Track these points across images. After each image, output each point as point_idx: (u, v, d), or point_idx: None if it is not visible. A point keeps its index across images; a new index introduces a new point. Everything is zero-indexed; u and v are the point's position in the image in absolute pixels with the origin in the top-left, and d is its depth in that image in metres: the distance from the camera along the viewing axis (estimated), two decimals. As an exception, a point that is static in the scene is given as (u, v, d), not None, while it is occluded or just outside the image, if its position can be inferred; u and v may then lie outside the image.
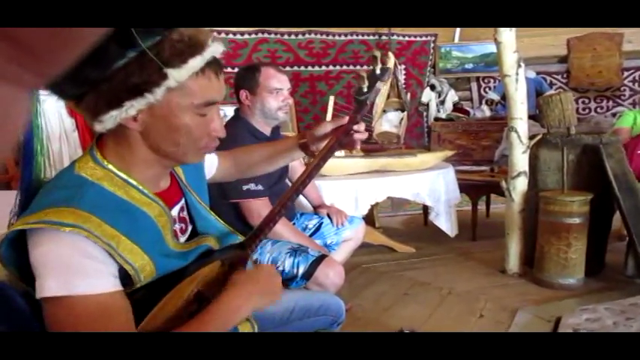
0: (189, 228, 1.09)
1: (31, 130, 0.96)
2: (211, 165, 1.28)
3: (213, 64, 0.90)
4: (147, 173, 0.95)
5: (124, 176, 0.91)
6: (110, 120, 0.85)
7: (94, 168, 0.90)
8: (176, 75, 0.83)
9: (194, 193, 1.11)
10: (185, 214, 1.08)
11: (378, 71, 1.20)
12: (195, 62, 0.85)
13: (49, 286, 0.80)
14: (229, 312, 0.93)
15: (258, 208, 1.98)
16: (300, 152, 1.28)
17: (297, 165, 2.48)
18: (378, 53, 1.22)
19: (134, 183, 0.92)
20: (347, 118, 1.20)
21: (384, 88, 5.38)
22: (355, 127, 1.18)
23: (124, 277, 0.87)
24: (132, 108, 0.84)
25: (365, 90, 1.20)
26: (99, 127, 0.86)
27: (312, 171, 1.15)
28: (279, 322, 1.33)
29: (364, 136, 1.20)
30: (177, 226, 1.03)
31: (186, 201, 1.08)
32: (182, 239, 1.04)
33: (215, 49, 0.89)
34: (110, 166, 0.91)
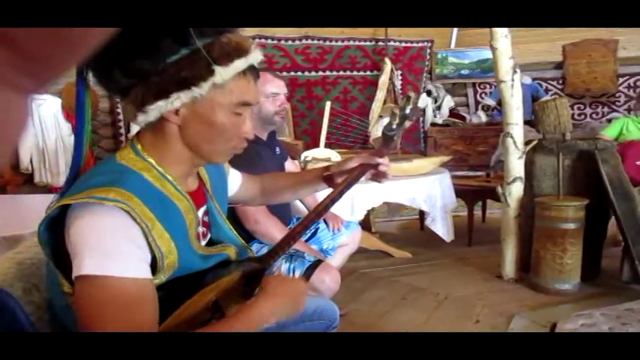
0: (209, 234, 1.11)
1: (83, 120, 0.98)
2: (234, 182, 1.30)
3: (253, 70, 0.97)
4: (178, 170, 0.99)
5: (161, 170, 0.96)
6: (155, 111, 0.90)
7: (135, 159, 0.95)
8: (222, 73, 0.90)
9: (215, 201, 1.13)
10: (207, 219, 1.11)
11: (408, 111, 1.26)
12: (240, 63, 0.93)
13: (86, 264, 0.82)
14: (259, 318, 0.95)
15: (255, 213, 1.98)
16: (324, 184, 1.33)
17: (292, 168, 2.48)
18: (412, 94, 1.29)
19: (169, 177, 0.96)
20: (376, 158, 1.26)
21: (381, 93, 5.41)
22: (381, 160, 1.26)
23: (151, 263, 0.89)
24: (177, 100, 0.90)
25: (394, 127, 1.28)
26: (142, 118, 0.92)
27: (336, 197, 1.20)
28: (273, 326, 1.32)
29: (389, 168, 1.29)
30: (200, 229, 1.05)
31: (207, 207, 1.11)
32: (203, 243, 1.07)
33: (256, 56, 0.96)
34: (150, 159, 0.95)
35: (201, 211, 1.07)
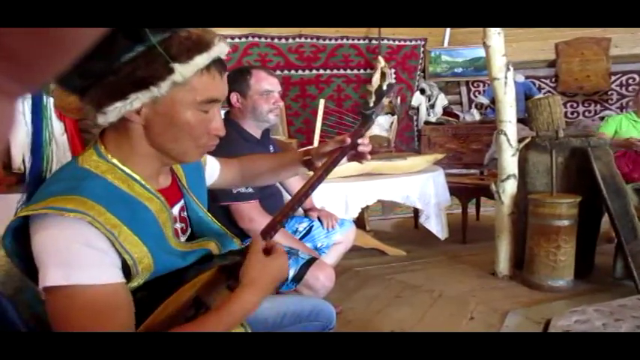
0: (190, 229, 1.09)
1: (40, 123, 0.95)
2: (213, 171, 1.29)
3: (218, 64, 0.92)
4: (147, 168, 0.95)
5: (128, 170, 0.92)
6: (114, 112, 0.86)
7: (97, 161, 0.91)
8: (182, 70, 0.85)
9: (193, 195, 1.11)
10: (185, 214, 1.08)
11: (384, 87, 1.23)
12: (201, 59, 0.87)
13: (51, 276, 0.80)
14: (240, 311, 0.91)
15: (249, 211, 1.97)
16: (304, 168, 1.32)
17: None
18: (386, 70, 1.26)
19: (137, 177, 0.93)
20: (354, 138, 1.23)
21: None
22: (360, 140, 1.23)
23: (123, 269, 0.87)
24: (136, 100, 0.85)
25: (371, 105, 1.24)
26: (102, 120, 0.87)
27: (315, 182, 1.18)
28: (271, 326, 1.31)
29: (369, 148, 1.26)
30: (177, 226, 1.03)
31: (185, 202, 1.08)
32: (182, 239, 1.05)
33: (221, 49, 0.91)
34: (114, 160, 0.92)
35: (177, 208, 1.04)
